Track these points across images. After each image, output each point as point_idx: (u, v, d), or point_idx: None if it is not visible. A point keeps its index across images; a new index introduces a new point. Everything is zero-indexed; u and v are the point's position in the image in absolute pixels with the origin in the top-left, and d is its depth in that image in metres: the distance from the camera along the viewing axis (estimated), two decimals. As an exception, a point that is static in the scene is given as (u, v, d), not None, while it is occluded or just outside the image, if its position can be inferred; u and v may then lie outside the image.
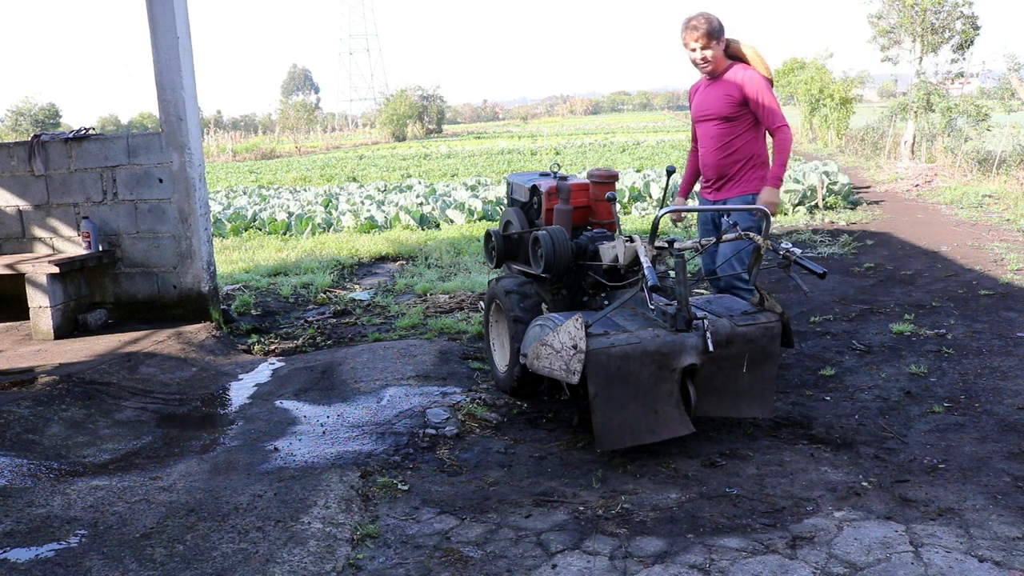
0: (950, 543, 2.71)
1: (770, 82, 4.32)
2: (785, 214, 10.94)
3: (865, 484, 3.21)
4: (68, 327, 5.64)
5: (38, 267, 5.48)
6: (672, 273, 3.67)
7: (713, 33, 4.22)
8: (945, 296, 6.11)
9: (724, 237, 3.68)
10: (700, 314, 3.51)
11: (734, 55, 4.34)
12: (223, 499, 3.14)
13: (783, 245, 3.55)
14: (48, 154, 6.04)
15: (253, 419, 4.17)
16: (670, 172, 3.81)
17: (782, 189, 12.48)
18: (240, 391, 4.71)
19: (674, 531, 2.88)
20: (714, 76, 4.34)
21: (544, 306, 4.39)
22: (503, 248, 4.68)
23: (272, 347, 5.77)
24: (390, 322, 6.23)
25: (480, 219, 11.99)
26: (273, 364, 5.26)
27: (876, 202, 12.19)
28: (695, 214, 5.80)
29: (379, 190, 16.94)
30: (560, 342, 3.34)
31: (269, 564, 2.66)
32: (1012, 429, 3.68)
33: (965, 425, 3.76)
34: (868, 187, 14.38)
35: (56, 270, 5.45)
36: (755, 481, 3.28)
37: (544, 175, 4.78)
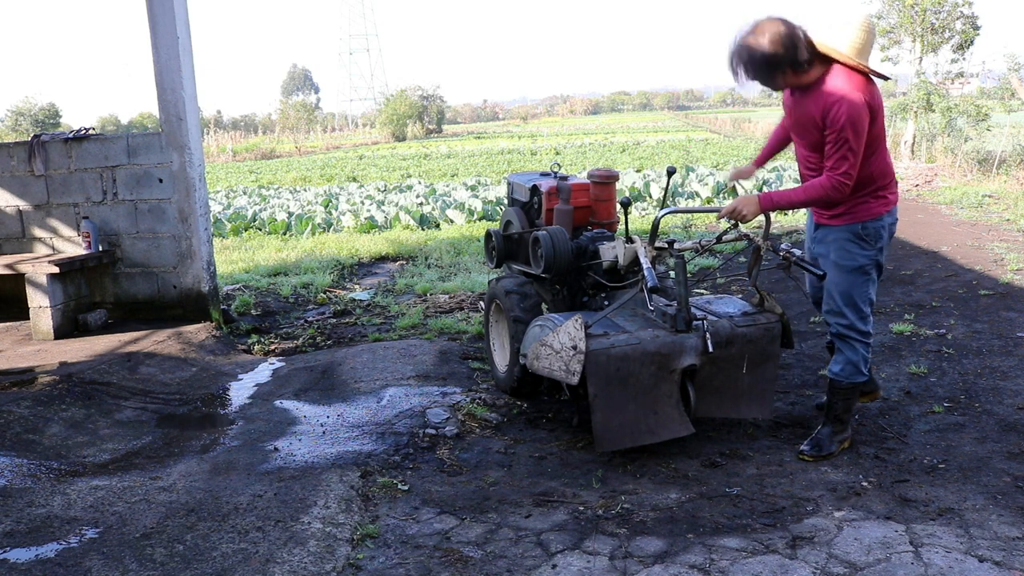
0: (950, 543, 2.71)
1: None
2: (785, 214, 10.94)
3: (865, 484, 3.21)
4: (68, 327, 5.64)
5: (38, 267, 5.48)
6: (672, 274, 3.67)
7: (756, 80, 3.33)
8: (945, 296, 6.11)
9: (724, 238, 3.68)
10: (700, 315, 3.51)
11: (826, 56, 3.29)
12: (223, 499, 3.14)
13: (783, 246, 3.55)
14: (48, 154, 6.04)
15: (253, 419, 4.17)
16: (670, 172, 3.80)
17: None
18: (240, 391, 4.71)
19: (674, 531, 2.88)
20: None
21: (544, 306, 4.38)
22: (503, 248, 4.68)
23: (272, 347, 5.77)
24: (390, 322, 6.23)
25: (480, 219, 11.99)
26: (273, 364, 5.25)
27: (876, 202, 12.16)
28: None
29: (379, 190, 16.94)
30: (560, 342, 3.34)
31: (269, 564, 2.66)
32: (1012, 429, 3.68)
33: (965, 425, 3.76)
34: (868, 187, 14.35)
35: (56, 270, 5.45)
36: (755, 481, 3.28)
37: (544, 175, 4.78)
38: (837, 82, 3.23)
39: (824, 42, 3.29)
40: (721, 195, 12.86)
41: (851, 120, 3.16)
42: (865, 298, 3.42)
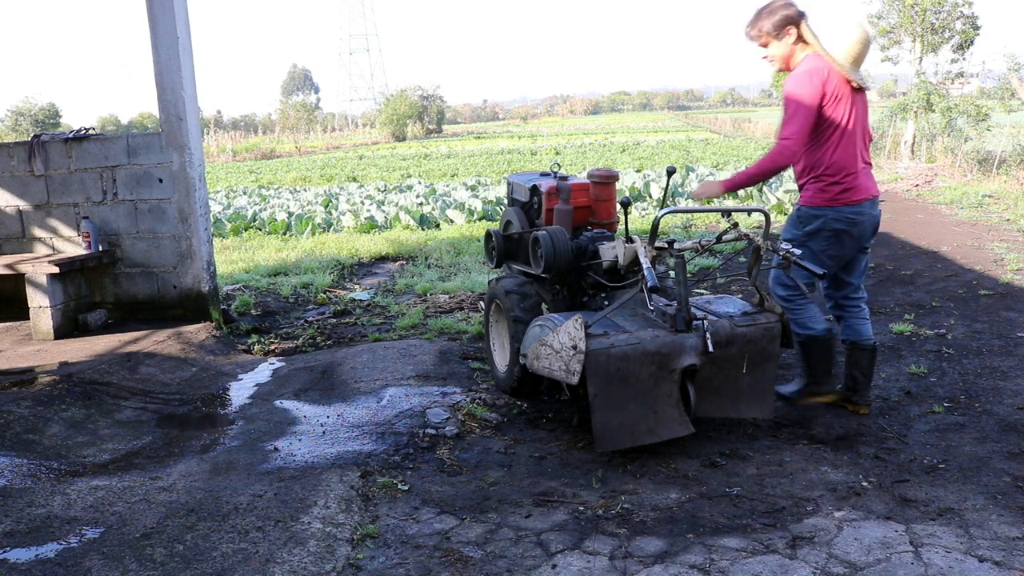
0: (950, 543, 2.71)
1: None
2: (785, 214, 10.94)
3: (865, 484, 3.21)
4: (68, 327, 5.64)
5: (38, 267, 5.48)
6: (672, 274, 3.66)
7: (762, 31, 3.73)
8: (945, 296, 6.11)
9: (724, 238, 3.68)
10: (700, 315, 3.51)
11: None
12: (223, 499, 3.14)
13: (783, 246, 3.55)
14: (48, 154, 6.04)
15: (253, 419, 4.17)
16: (670, 172, 3.80)
17: (773, 192, 12.46)
18: (240, 391, 4.71)
19: (674, 531, 2.88)
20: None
21: (544, 306, 4.39)
22: (503, 248, 4.68)
23: (272, 347, 5.77)
24: (390, 322, 6.23)
25: (480, 219, 12.00)
26: (273, 364, 5.25)
27: (876, 202, 12.17)
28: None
29: (379, 190, 16.94)
30: (560, 342, 3.34)
31: (269, 564, 2.66)
32: (1012, 429, 3.68)
33: (965, 425, 3.76)
34: (868, 187, 14.36)
35: (56, 270, 5.45)
36: (755, 481, 3.28)
37: (544, 175, 4.78)
38: (800, 64, 3.66)
39: (823, 42, 3.63)
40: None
41: (796, 86, 3.56)
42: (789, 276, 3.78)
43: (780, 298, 3.85)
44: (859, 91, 3.68)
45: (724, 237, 3.66)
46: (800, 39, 3.69)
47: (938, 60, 19.15)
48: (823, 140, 3.65)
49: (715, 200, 12.68)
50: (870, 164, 3.82)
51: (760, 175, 3.69)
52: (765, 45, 3.77)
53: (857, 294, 3.95)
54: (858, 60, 3.61)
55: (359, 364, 4.92)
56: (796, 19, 3.66)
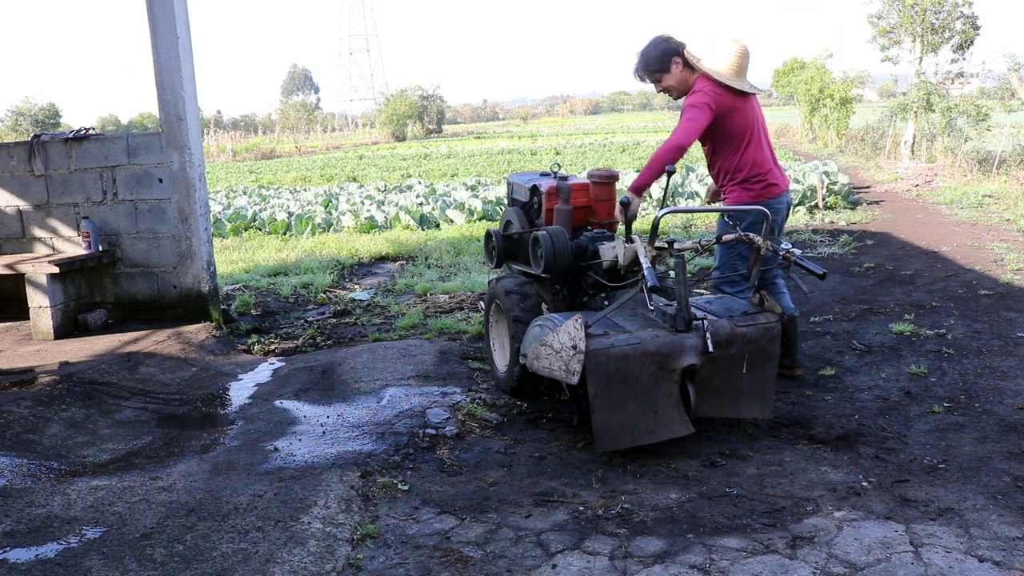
0: (950, 543, 2.71)
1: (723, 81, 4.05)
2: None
3: (865, 484, 3.21)
4: (68, 327, 5.64)
5: (38, 267, 5.48)
6: (672, 273, 3.67)
7: (649, 70, 4.20)
8: (945, 296, 6.11)
9: (724, 238, 3.69)
10: (700, 315, 3.51)
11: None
12: (223, 499, 3.14)
13: (782, 245, 3.55)
14: (48, 154, 6.04)
15: (253, 419, 4.17)
16: (670, 172, 3.80)
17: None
18: (240, 391, 4.71)
19: (674, 531, 2.88)
20: None
21: (544, 306, 4.39)
22: (503, 248, 4.68)
23: (272, 347, 5.77)
24: (390, 322, 6.23)
25: (480, 219, 11.99)
26: (273, 364, 5.25)
27: (876, 202, 12.19)
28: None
29: (379, 190, 16.94)
30: (560, 342, 3.34)
31: (269, 564, 2.66)
32: (1012, 429, 3.68)
33: (965, 425, 3.76)
34: (868, 187, 14.38)
35: (56, 270, 5.45)
36: (755, 481, 3.28)
37: (544, 175, 4.78)
38: (695, 85, 4.09)
39: (704, 63, 4.06)
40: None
41: (691, 99, 4.01)
42: (727, 265, 4.20)
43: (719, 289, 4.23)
44: (750, 98, 4.14)
45: (724, 237, 3.66)
46: (686, 65, 4.13)
47: (938, 60, 19.17)
48: (735, 146, 4.11)
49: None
50: (776, 159, 4.30)
51: (655, 171, 3.95)
52: (658, 81, 4.19)
53: (771, 273, 4.34)
54: (741, 71, 4.06)
55: (359, 364, 4.92)
56: (678, 50, 4.13)
